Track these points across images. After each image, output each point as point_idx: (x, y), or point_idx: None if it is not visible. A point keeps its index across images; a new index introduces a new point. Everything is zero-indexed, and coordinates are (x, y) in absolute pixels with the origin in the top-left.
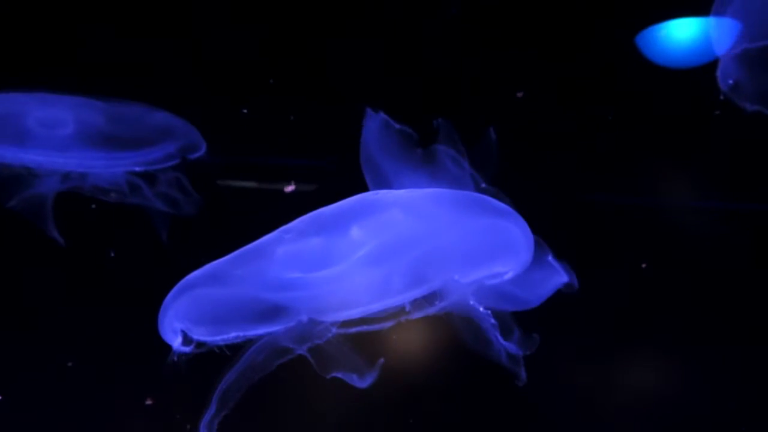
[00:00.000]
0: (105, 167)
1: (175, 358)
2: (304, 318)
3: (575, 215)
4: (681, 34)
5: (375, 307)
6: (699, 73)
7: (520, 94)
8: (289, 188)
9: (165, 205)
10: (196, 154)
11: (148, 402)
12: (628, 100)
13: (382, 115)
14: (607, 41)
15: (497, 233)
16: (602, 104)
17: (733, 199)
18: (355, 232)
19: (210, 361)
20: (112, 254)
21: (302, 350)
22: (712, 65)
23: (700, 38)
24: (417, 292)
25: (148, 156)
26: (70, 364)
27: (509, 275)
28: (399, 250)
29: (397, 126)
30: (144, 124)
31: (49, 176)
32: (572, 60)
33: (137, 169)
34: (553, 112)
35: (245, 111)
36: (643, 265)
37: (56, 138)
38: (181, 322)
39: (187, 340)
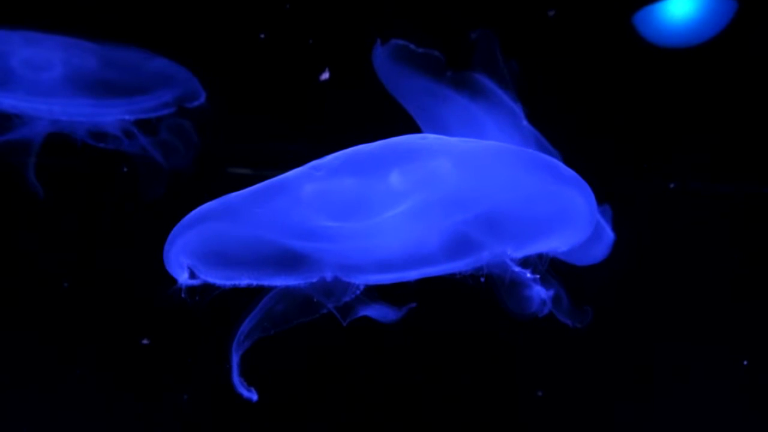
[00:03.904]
0: (93, 115)
1: (181, 294)
2: (329, 276)
3: None
4: (678, 13)
5: (411, 274)
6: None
7: (551, 13)
8: (324, 76)
9: (161, 155)
10: (195, 103)
11: (145, 342)
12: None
13: (397, 41)
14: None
15: (561, 203)
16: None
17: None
18: (395, 178)
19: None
20: (125, 169)
21: (326, 308)
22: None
23: (697, 17)
24: (461, 263)
25: (141, 104)
26: (66, 285)
27: (564, 249)
28: (445, 208)
29: (420, 50)
30: (141, 70)
31: (34, 122)
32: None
33: (128, 117)
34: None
35: (263, 36)
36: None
37: (42, 81)
38: (189, 257)
39: (194, 276)
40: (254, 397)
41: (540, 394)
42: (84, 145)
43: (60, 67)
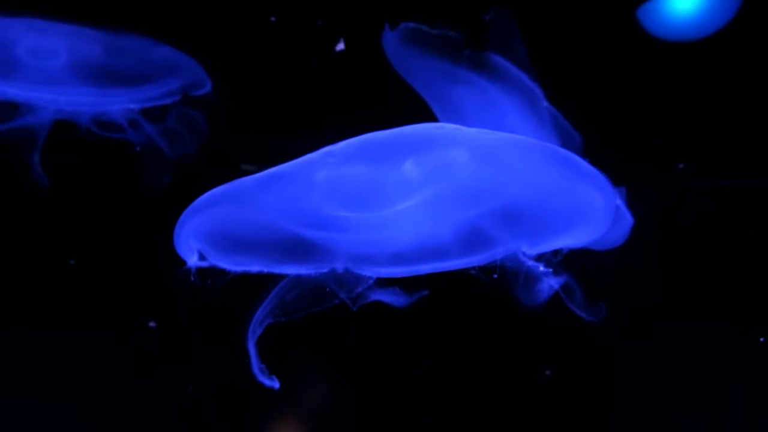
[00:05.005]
0: (98, 104)
1: (190, 277)
2: (339, 267)
3: None
4: (682, 6)
5: (423, 267)
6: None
7: None
8: (340, 46)
9: (167, 144)
10: (201, 92)
11: (151, 324)
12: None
13: (408, 24)
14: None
15: (579, 200)
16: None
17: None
18: (409, 167)
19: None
20: (138, 149)
21: (338, 298)
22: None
23: (701, 11)
24: (475, 258)
25: (146, 93)
26: (72, 262)
27: (579, 245)
28: (460, 201)
29: (435, 31)
30: (146, 58)
31: (39, 110)
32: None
33: (132, 106)
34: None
35: (273, 19)
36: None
37: (46, 69)
38: (199, 241)
39: (203, 260)
40: (276, 384)
41: (548, 373)
42: (89, 133)
43: (65, 55)
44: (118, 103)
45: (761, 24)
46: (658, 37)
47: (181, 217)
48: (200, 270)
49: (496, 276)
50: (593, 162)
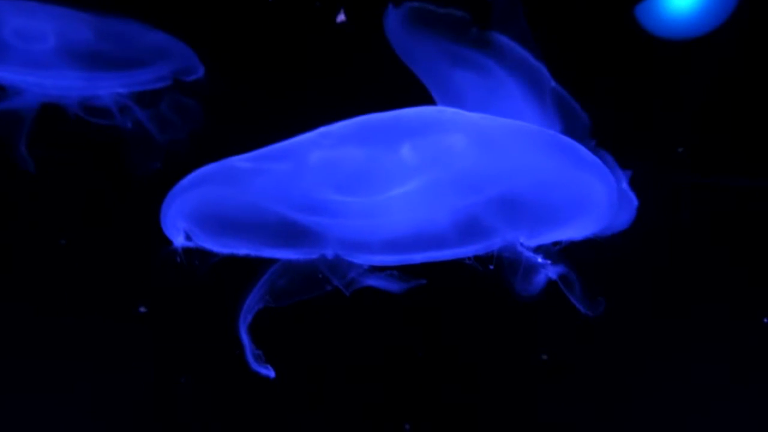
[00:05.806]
0: (87, 88)
1: (177, 258)
2: (329, 253)
3: None
4: (679, 4)
5: (418, 256)
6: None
7: None
8: (341, 17)
9: (157, 129)
10: (192, 77)
11: (142, 310)
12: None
13: (412, 3)
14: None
15: (580, 190)
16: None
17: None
18: (406, 151)
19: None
20: (128, 124)
21: (331, 284)
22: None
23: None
24: (471, 248)
25: (135, 78)
26: (63, 242)
27: (579, 237)
28: (457, 188)
29: (441, 11)
30: (136, 43)
31: (26, 94)
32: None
33: (122, 91)
34: None
35: (271, 0)
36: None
37: (34, 52)
38: (185, 221)
39: (190, 240)
40: (271, 373)
41: (545, 357)
42: (77, 118)
43: (53, 38)
44: (108, 88)
45: (759, 22)
46: (656, 35)
47: (168, 196)
48: (187, 251)
49: (492, 267)
50: (600, 144)
